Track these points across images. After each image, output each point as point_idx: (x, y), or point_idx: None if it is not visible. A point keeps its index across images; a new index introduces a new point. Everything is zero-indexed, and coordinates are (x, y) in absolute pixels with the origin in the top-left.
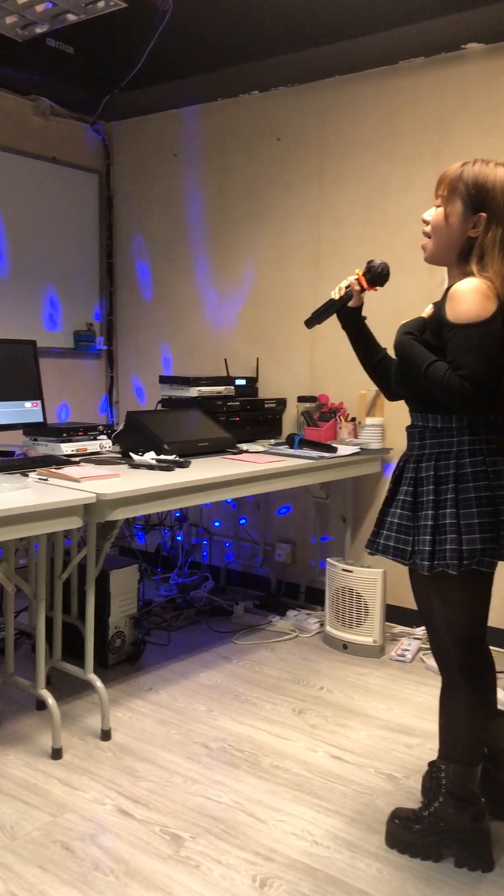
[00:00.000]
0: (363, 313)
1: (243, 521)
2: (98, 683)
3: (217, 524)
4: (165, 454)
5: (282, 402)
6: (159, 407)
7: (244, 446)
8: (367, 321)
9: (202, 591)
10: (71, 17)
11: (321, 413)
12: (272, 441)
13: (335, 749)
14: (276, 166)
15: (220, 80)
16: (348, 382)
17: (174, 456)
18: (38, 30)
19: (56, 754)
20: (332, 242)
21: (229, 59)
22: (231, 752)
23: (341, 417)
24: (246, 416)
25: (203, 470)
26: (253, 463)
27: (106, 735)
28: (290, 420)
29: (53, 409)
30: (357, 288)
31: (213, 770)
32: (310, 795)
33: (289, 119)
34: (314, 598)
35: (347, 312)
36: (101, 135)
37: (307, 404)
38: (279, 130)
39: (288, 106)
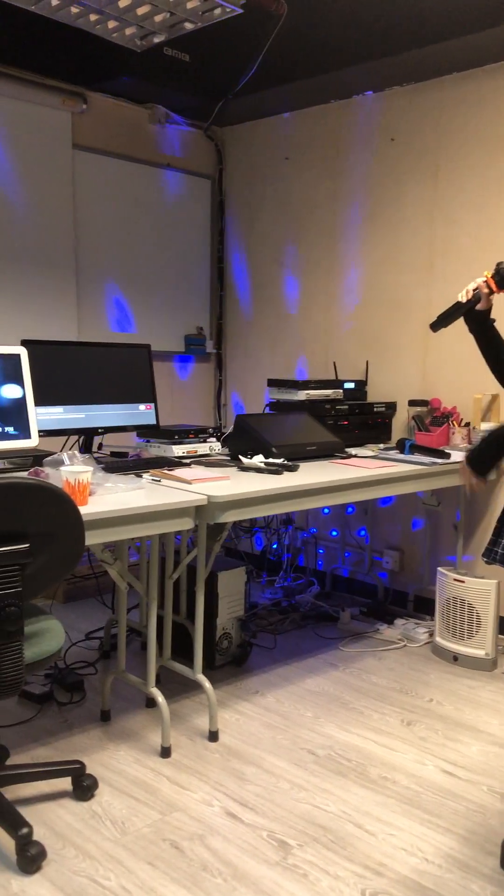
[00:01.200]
0: (492, 316)
1: (351, 527)
2: (207, 684)
3: (318, 529)
4: (274, 457)
5: (392, 406)
6: (267, 410)
7: (353, 451)
8: (495, 324)
9: (307, 596)
10: (188, 26)
11: (433, 417)
12: (382, 446)
13: (446, 763)
14: (389, 167)
15: (333, 82)
16: (462, 386)
17: (283, 459)
18: (156, 39)
19: (165, 753)
20: (446, 243)
21: (343, 61)
22: (338, 761)
23: (454, 422)
24: (355, 419)
25: (311, 474)
26: (362, 468)
27: (213, 736)
28: (400, 424)
29: (163, 411)
30: (486, 291)
31: (320, 778)
32: (420, 810)
33: (403, 118)
34: (423, 607)
35: (475, 315)
36: (213, 140)
37: (418, 408)
38: (393, 130)
39: (402, 105)
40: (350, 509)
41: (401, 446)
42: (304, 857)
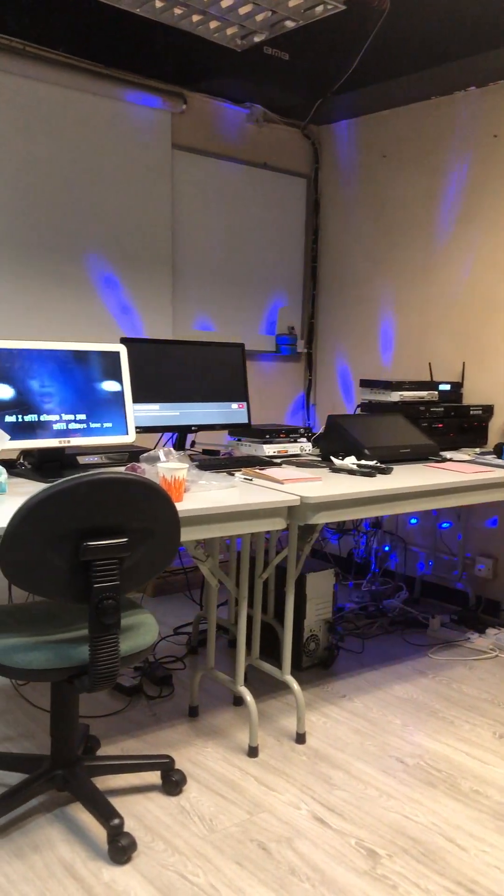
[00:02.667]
0: None
1: (442, 532)
2: (295, 686)
3: (407, 533)
4: (366, 459)
5: (489, 409)
6: (359, 411)
7: (448, 454)
8: None
9: (396, 601)
10: (289, 24)
11: None
12: (478, 450)
13: None
14: (491, 164)
15: (435, 78)
16: None
17: (375, 462)
18: (257, 38)
19: (252, 752)
20: None
21: (446, 56)
22: (428, 771)
23: None
24: (450, 422)
25: (406, 477)
26: (458, 472)
27: (301, 738)
28: (497, 428)
29: (253, 410)
30: None
31: (409, 787)
32: None
33: None
34: None
35: None
36: (310, 139)
37: None
38: (496, 127)
39: None
40: (445, 524)
41: (498, 451)
42: (394, 868)
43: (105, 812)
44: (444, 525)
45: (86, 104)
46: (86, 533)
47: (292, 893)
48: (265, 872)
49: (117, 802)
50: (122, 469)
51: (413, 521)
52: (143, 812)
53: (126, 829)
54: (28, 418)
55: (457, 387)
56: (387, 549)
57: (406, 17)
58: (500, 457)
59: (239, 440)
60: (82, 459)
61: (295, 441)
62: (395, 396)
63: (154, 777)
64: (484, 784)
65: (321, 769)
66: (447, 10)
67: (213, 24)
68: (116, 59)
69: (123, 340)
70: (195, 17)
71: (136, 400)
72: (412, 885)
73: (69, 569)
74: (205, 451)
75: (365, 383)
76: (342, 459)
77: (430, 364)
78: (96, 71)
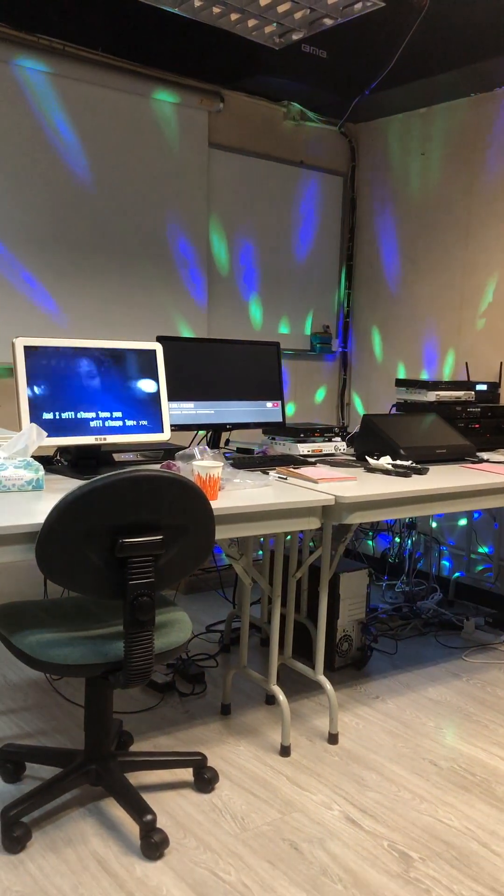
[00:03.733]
0: None
1: (478, 533)
2: (328, 686)
3: (442, 534)
4: (402, 459)
5: None
6: (394, 410)
7: (484, 455)
8: None
9: (430, 603)
10: (328, 22)
11: None
12: None
13: None
14: None
15: (474, 75)
16: None
17: (411, 462)
18: (295, 37)
19: (284, 751)
20: None
21: (485, 52)
22: (462, 774)
23: None
24: (487, 423)
25: (442, 478)
26: (495, 474)
27: (333, 739)
28: None
29: (288, 408)
30: None
31: (442, 790)
32: None
33: None
34: None
35: None
36: (347, 137)
37: None
38: None
39: None
40: (477, 515)
41: None
42: (427, 872)
43: (138, 807)
44: (480, 525)
45: (123, 103)
46: (122, 530)
47: (324, 894)
48: (297, 872)
49: (150, 798)
50: (157, 467)
51: (442, 520)
52: (175, 809)
53: (158, 825)
54: (65, 416)
55: (494, 387)
56: (422, 549)
57: (445, 14)
58: None
59: (273, 439)
60: (118, 457)
61: (329, 440)
62: (432, 396)
63: (186, 774)
64: None
65: (353, 770)
66: (486, 7)
67: (252, 23)
68: (154, 59)
69: (159, 339)
70: (233, 16)
71: (171, 398)
72: (445, 890)
73: (105, 565)
74: (239, 450)
75: (400, 383)
76: (377, 459)
77: (466, 364)
78: (134, 70)
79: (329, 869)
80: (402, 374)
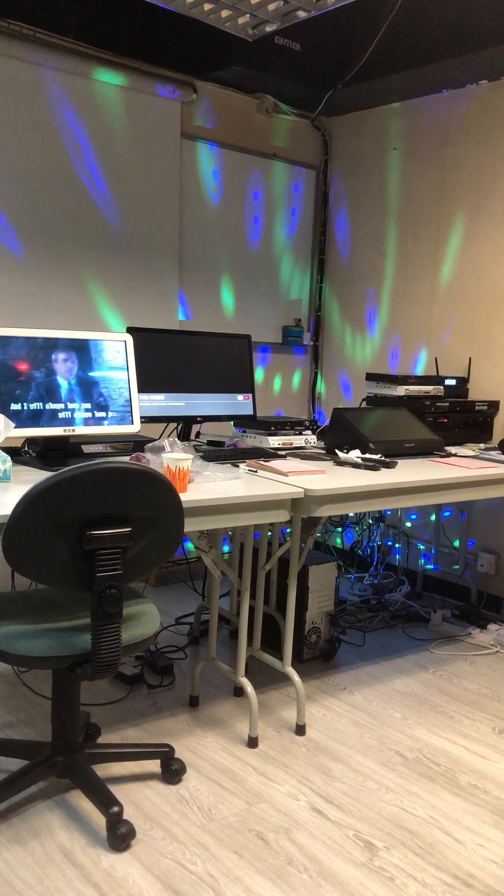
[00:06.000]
0: None
1: (446, 526)
2: (296, 678)
3: (410, 527)
4: (371, 453)
5: (494, 405)
6: (364, 404)
7: (452, 449)
8: None
9: (398, 595)
10: (301, 14)
11: None
12: (483, 446)
13: None
14: (501, 159)
15: (446, 71)
16: None
17: (380, 455)
18: (269, 28)
19: (252, 743)
20: None
21: (458, 48)
22: (427, 765)
23: None
24: (455, 417)
25: (410, 472)
26: (462, 468)
27: (300, 730)
28: (502, 424)
29: (259, 401)
30: None
31: (408, 780)
32: None
33: None
34: None
35: None
36: (320, 130)
37: None
38: None
39: None
40: (447, 512)
41: (503, 447)
42: (391, 861)
43: (104, 799)
44: (447, 519)
45: (95, 91)
46: (89, 522)
47: (290, 884)
48: (263, 862)
49: (117, 790)
50: (126, 458)
51: (413, 516)
52: (142, 800)
53: (125, 816)
54: (33, 406)
55: (463, 382)
56: (389, 543)
57: (418, 10)
58: None
59: (244, 432)
60: (87, 448)
61: (300, 433)
62: (401, 390)
63: (154, 766)
64: (482, 779)
65: (320, 761)
66: (458, 3)
67: (225, 13)
68: (126, 47)
69: (130, 330)
70: (207, 6)
71: (141, 390)
72: (409, 878)
73: (72, 557)
74: (210, 442)
75: (371, 377)
76: (347, 453)
77: (436, 359)
78: (106, 58)
79: (295, 858)
80: (372, 369)
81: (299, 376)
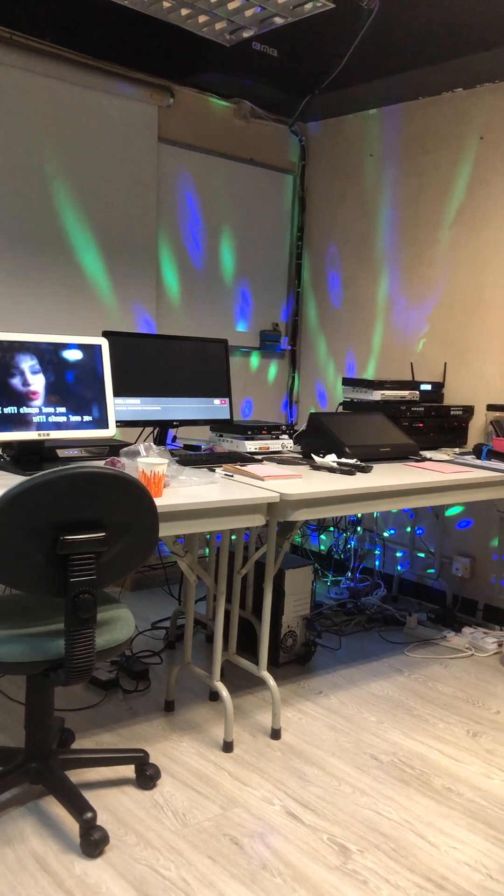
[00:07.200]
0: None
1: (420, 530)
2: (271, 682)
3: (392, 531)
4: (347, 457)
5: (469, 410)
6: (341, 409)
7: (427, 454)
8: None
9: (374, 599)
10: (278, 21)
11: None
12: (457, 450)
13: None
14: (476, 166)
15: (422, 78)
16: None
17: (356, 460)
18: (246, 34)
19: (227, 747)
20: None
21: (434, 57)
22: (402, 768)
23: None
24: (430, 422)
25: (385, 476)
26: (437, 472)
27: (276, 734)
28: (477, 429)
29: (236, 406)
30: None
31: (382, 784)
32: (484, 825)
33: (494, 116)
34: (493, 616)
35: None
36: (298, 136)
37: (497, 413)
38: (483, 128)
39: (494, 103)
40: (414, 513)
41: (478, 452)
42: (365, 864)
43: (78, 805)
44: (423, 523)
45: (72, 95)
46: (63, 527)
47: (264, 888)
48: (237, 867)
49: (91, 796)
50: (101, 463)
51: (391, 531)
52: (116, 806)
53: (99, 822)
54: (7, 410)
55: (438, 387)
56: (367, 546)
57: (395, 18)
58: (479, 457)
59: (221, 436)
60: (62, 453)
61: (277, 438)
62: (377, 395)
63: (128, 771)
64: (456, 782)
65: (295, 765)
66: (435, 12)
67: (202, 19)
68: (104, 51)
69: (105, 334)
70: (184, 11)
71: (117, 394)
72: (382, 881)
73: (46, 562)
74: (186, 447)
75: (347, 382)
76: (323, 457)
77: (411, 364)
78: (83, 62)
79: (269, 863)
80: (349, 373)
81: (277, 381)
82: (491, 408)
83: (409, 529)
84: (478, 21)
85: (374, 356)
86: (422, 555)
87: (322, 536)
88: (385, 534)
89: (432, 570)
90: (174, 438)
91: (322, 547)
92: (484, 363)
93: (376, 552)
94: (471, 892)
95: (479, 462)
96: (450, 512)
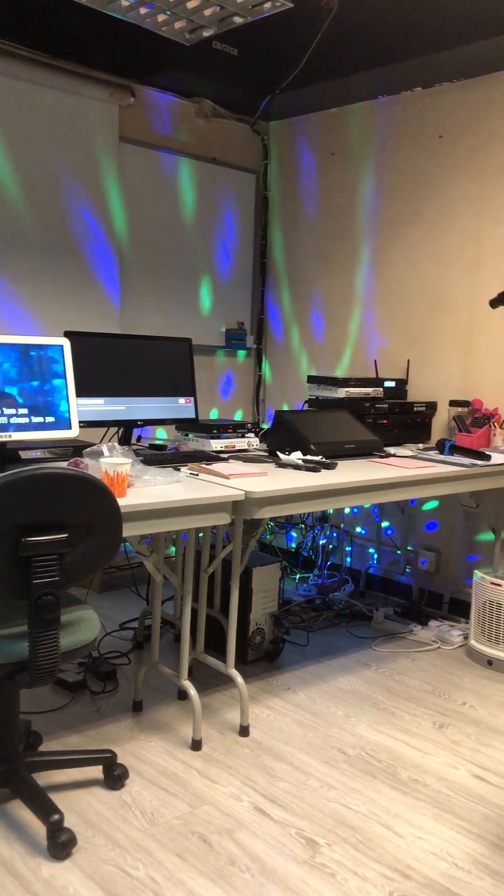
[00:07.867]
0: None
1: (387, 526)
2: (239, 679)
3: (363, 531)
4: (312, 455)
5: (432, 406)
6: (306, 407)
7: (392, 450)
8: None
9: (342, 594)
10: (237, 20)
11: (474, 419)
12: (421, 446)
13: (478, 768)
14: (436, 164)
15: (382, 78)
16: None
17: (321, 457)
18: (206, 33)
19: (196, 745)
20: (493, 242)
21: (392, 56)
22: (368, 761)
23: (496, 424)
24: (394, 418)
25: (350, 472)
26: (401, 468)
27: (244, 731)
28: (440, 425)
29: (202, 405)
30: None
31: (350, 777)
32: (450, 815)
33: (452, 115)
34: (458, 609)
35: None
36: (259, 135)
37: (459, 409)
38: (441, 127)
39: (452, 102)
40: (379, 508)
41: (440, 447)
42: (333, 857)
43: (45, 808)
44: (389, 518)
45: (31, 94)
46: (25, 528)
47: (232, 884)
48: (205, 864)
49: (58, 798)
50: (64, 464)
51: (363, 531)
52: (84, 807)
53: (67, 824)
54: None
55: (401, 384)
56: (334, 542)
57: (353, 17)
58: (442, 452)
59: (186, 435)
60: (25, 454)
61: (242, 436)
62: (341, 392)
63: (97, 772)
64: (422, 773)
65: (264, 761)
66: (393, 12)
67: (162, 18)
68: (64, 51)
69: (67, 334)
70: (143, 10)
71: (80, 394)
72: (349, 873)
73: (8, 564)
74: (151, 446)
75: (312, 379)
76: (288, 455)
77: (375, 361)
78: (43, 61)
79: (237, 859)
80: (313, 371)
81: (242, 379)
82: (453, 403)
83: (375, 523)
84: (435, 21)
85: (339, 354)
86: (388, 550)
87: (293, 534)
88: (352, 529)
89: (399, 565)
90: (138, 438)
91: (293, 544)
92: (446, 360)
93: (347, 549)
94: (437, 881)
95: (441, 457)
96: (427, 507)
